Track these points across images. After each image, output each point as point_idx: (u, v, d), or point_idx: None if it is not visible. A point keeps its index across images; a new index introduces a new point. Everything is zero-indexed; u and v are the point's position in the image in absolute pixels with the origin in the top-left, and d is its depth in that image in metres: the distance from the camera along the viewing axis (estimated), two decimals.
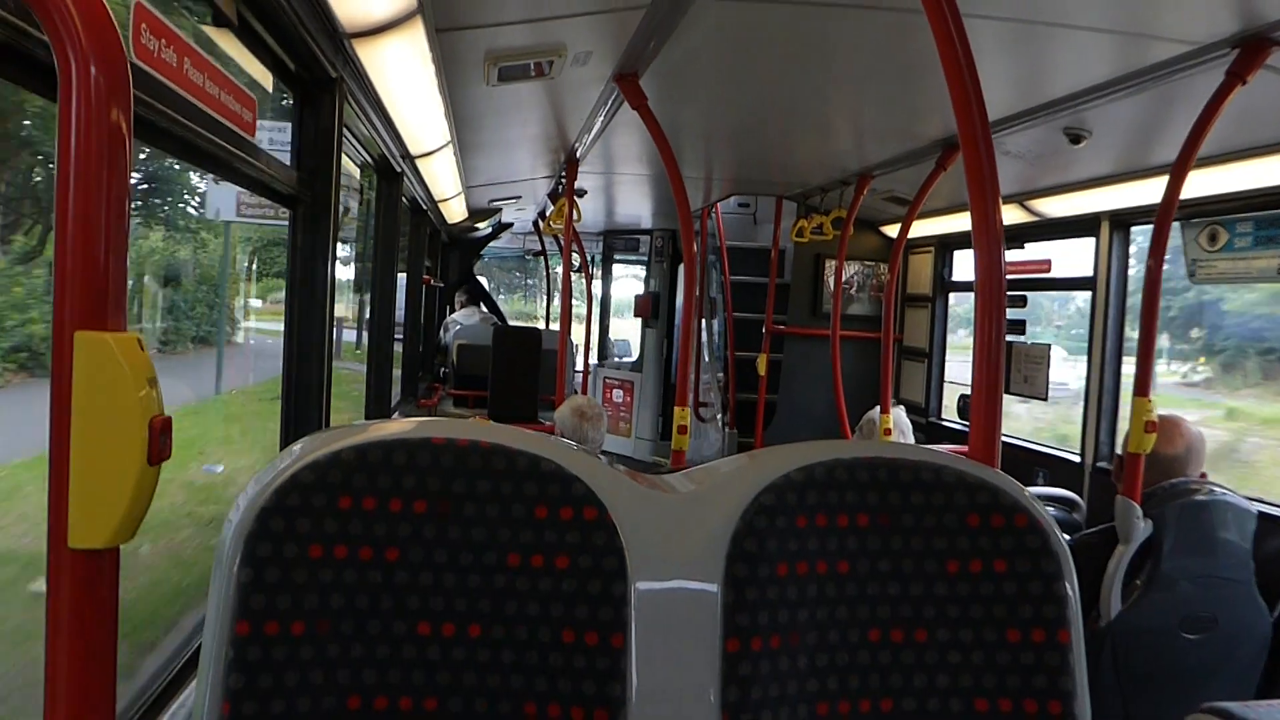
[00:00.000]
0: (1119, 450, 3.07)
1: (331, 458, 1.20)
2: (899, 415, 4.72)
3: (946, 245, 6.21)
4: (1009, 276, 5.15)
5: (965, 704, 1.32)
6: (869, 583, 1.33)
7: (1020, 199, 4.89)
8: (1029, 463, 5.03)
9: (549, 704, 1.23)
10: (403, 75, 2.90)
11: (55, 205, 0.80)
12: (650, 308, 8.70)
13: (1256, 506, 2.85)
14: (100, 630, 0.84)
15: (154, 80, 1.52)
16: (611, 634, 1.24)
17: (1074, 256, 4.99)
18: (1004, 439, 5.35)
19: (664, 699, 1.24)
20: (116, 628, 0.86)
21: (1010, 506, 1.35)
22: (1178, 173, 2.80)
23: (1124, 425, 3.37)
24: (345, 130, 3.08)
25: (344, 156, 2.82)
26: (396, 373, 5.36)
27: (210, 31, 1.87)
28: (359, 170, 4.61)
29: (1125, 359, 4.58)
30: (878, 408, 4.69)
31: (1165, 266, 2.94)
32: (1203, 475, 2.96)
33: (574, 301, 7.80)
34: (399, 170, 4.44)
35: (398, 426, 1.26)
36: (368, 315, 4.83)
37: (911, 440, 4.56)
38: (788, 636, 1.29)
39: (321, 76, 2.51)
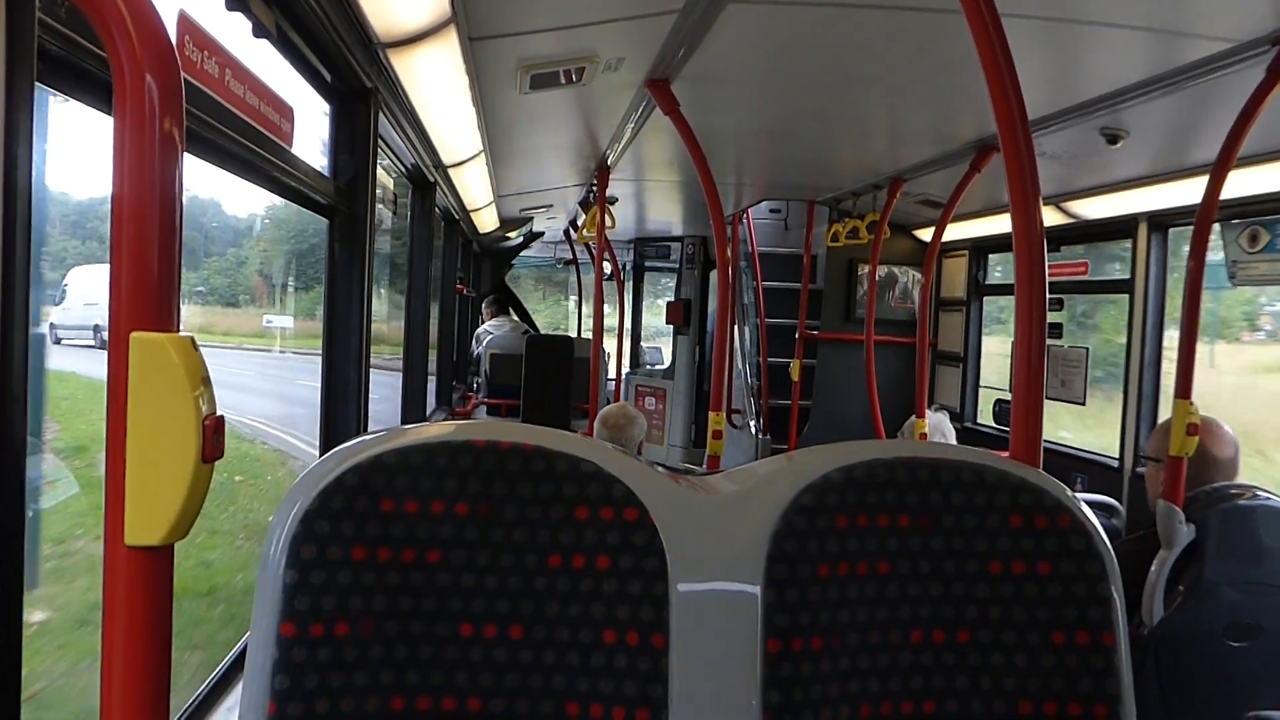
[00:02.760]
0: (1143, 453, 3.05)
1: (374, 461, 1.21)
2: (941, 420, 4.69)
3: (981, 248, 6.17)
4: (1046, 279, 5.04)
5: (1009, 706, 1.31)
6: (910, 583, 1.33)
7: (1056, 201, 4.85)
8: (1067, 468, 4.98)
9: (591, 704, 1.23)
10: (436, 84, 2.93)
11: (111, 211, 0.81)
12: (682, 314, 8.70)
13: None
14: (156, 626, 0.86)
15: (197, 91, 1.55)
16: (653, 635, 1.24)
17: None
18: (1044, 444, 5.24)
19: (705, 700, 1.24)
20: (171, 624, 0.87)
21: (1054, 507, 1.34)
22: (1218, 173, 2.77)
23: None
24: (379, 140, 3.10)
25: (378, 167, 2.85)
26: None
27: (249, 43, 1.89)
28: (392, 181, 4.65)
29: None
30: (929, 413, 4.67)
31: None
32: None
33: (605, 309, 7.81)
34: (432, 180, 4.48)
35: (439, 430, 1.27)
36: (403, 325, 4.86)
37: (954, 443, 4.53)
38: (829, 638, 1.29)
39: (357, 87, 2.54)
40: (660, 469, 1.37)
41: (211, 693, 1.93)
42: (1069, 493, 1.38)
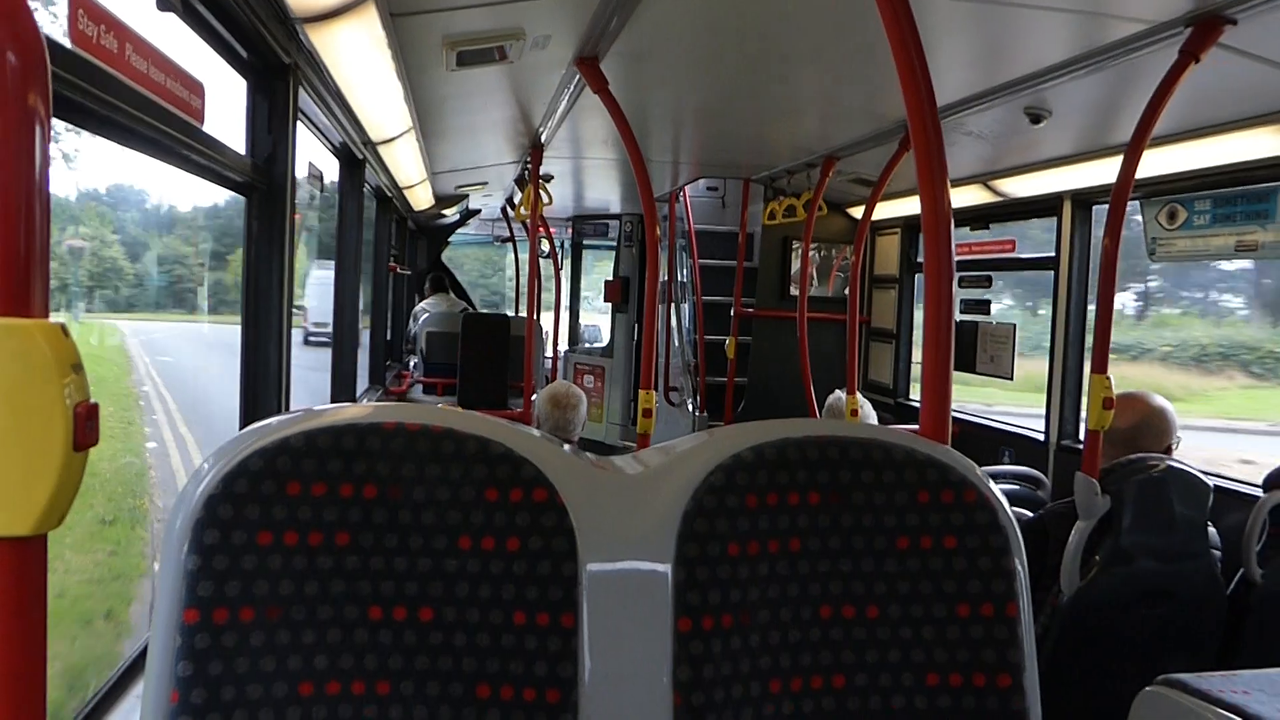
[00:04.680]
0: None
1: (280, 444, 1.19)
2: (861, 402, 4.73)
3: (913, 226, 6.24)
4: (973, 257, 5.16)
5: (916, 679, 1.34)
6: (820, 560, 1.34)
7: (983, 179, 4.92)
8: (994, 441, 5.08)
9: (502, 686, 1.23)
10: (359, 61, 2.88)
11: None
12: (620, 292, 8.70)
13: (1213, 481, 2.89)
14: (30, 618, 0.84)
15: (92, 67, 1.50)
16: (562, 615, 1.24)
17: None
18: (970, 417, 5.34)
19: (616, 679, 1.25)
20: (46, 615, 0.86)
21: (959, 483, 1.36)
22: (1133, 152, 2.83)
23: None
24: (304, 117, 3.04)
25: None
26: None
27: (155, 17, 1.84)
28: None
29: None
30: (838, 392, 4.68)
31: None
32: (1167, 449, 2.99)
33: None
34: (361, 157, 4.41)
35: (348, 412, 1.25)
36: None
37: (875, 423, 4.55)
38: (739, 615, 1.30)
39: (274, 63, 2.48)
40: (586, 455, 1.37)
41: (117, 683, 1.90)
42: (976, 469, 1.40)
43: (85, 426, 0.82)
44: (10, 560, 0.82)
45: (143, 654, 1.97)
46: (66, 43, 1.42)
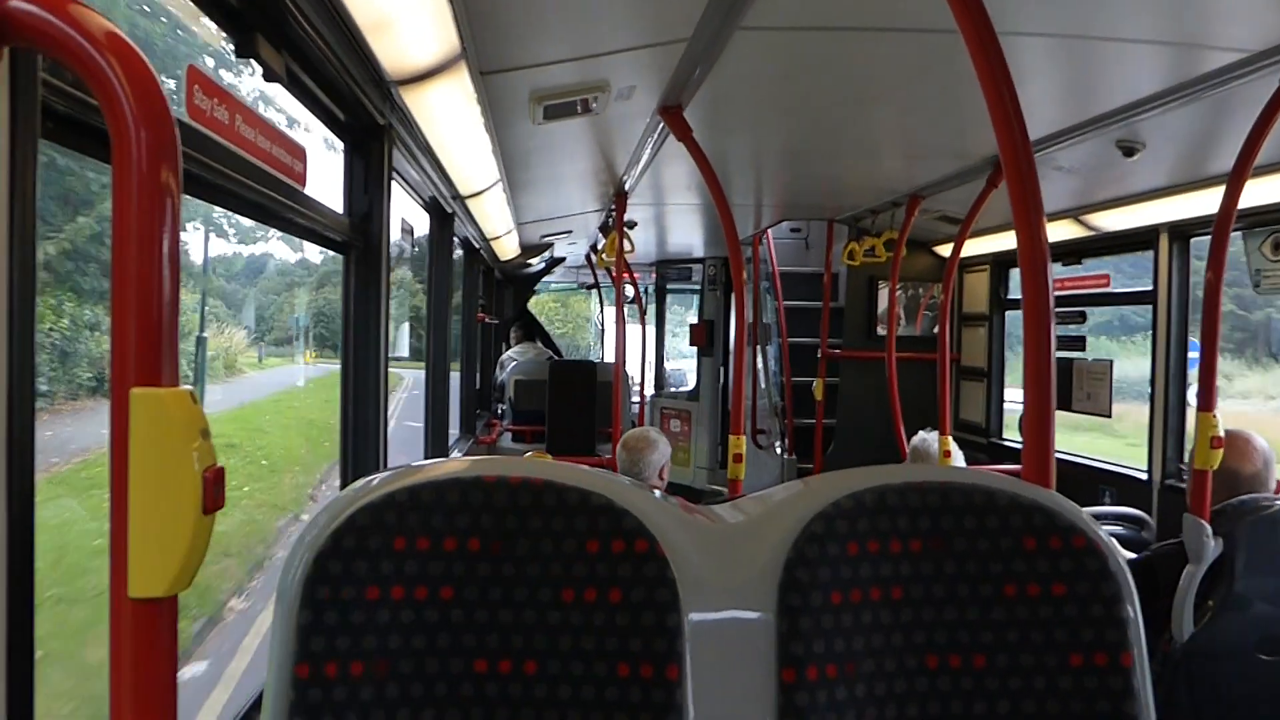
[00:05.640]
0: (1186, 467, 3.00)
1: (386, 500, 1.22)
2: (943, 441, 4.60)
3: (1002, 263, 6.14)
4: (1068, 293, 5.04)
5: None
6: (924, 608, 1.32)
7: (1075, 214, 4.83)
8: (1094, 481, 4.93)
9: None
10: (450, 118, 2.95)
11: (112, 265, 0.83)
12: (705, 336, 8.70)
13: None
14: (161, 676, 0.87)
15: (207, 139, 1.57)
16: (666, 666, 1.24)
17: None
18: (1069, 457, 5.16)
19: None
20: (176, 674, 0.88)
21: (1067, 528, 1.33)
22: (1234, 182, 2.75)
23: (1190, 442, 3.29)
24: (396, 174, 3.13)
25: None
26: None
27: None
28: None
29: None
30: (922, 433, 4.52)
31: None
32: (1278, 488, 2.88)
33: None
34: (450, 211, 4.51)
35: (450, 466, 1.27)
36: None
37: (964, 465, 4.39)
38: (844, 665, 1.28)
39: (370, 124, 2.57)
40: (672, 500, 1.37)
41: None
42: (1083, 514, 1.36)
43: (213, 490, 0.85)
44: (145, 620, 0.85)
45: (251, 708, 2.02)
46: (185, 118, 1.50)
